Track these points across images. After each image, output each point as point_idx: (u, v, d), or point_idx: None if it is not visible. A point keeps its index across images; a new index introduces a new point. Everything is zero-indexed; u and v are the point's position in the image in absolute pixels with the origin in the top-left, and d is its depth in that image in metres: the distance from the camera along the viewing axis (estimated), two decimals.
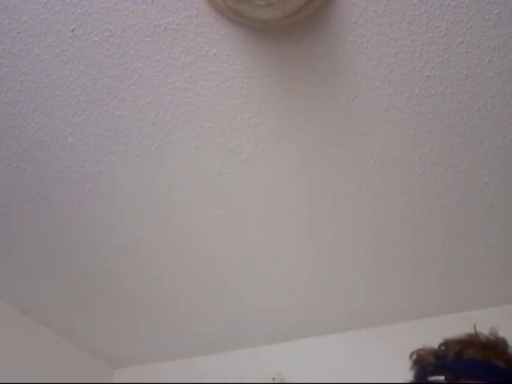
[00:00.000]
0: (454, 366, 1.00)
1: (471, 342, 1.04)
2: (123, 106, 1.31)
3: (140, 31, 1.16)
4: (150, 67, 1.23)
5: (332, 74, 1.23)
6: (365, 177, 1.49)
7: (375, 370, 1.94)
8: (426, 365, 1.05)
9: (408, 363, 1.92)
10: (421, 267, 1.79)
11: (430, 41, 1.16)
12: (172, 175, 1.49)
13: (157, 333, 2.22)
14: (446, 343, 1.07)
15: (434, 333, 2.02)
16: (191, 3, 1.10)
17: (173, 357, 2.38)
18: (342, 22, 1.13)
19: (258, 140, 1.39)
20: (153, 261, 1.81)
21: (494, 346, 1.02)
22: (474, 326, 1.10)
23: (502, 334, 1.91)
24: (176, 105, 1.31)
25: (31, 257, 1.79)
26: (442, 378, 0.99)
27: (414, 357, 1.09)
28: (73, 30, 1.15)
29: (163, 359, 2.40)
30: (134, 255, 1.79)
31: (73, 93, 1.28)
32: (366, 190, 1.52)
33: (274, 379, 2.09)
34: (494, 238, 1.67)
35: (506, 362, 0.99)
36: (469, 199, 1.54)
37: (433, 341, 1.99)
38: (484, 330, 1.95)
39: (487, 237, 1.67)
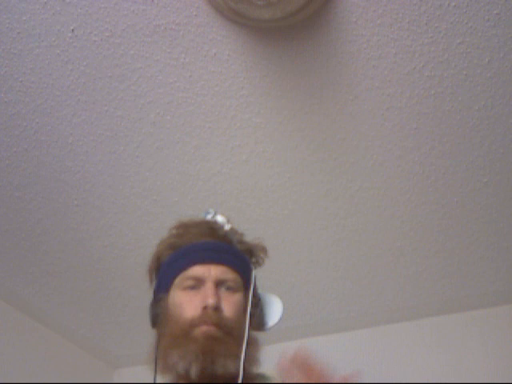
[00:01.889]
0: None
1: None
2: (123, 106, 1.31)
3: (140, 31, 1.16)
4: (150, 67, 1.23)
5: (332, 74, 1.23)
6: (365, 177, 1.49)
7: (375, 369, 1.94)
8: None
9: (408, 363, 1.93)
10: (421, 267, 1.79)
11: (429, 41, 1.16)
12: (172, 175, 1.49)
13: None
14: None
15: (434, 333, 2.03)
16: (191, 3, 1.10)
17: None
18: (342, 23, 1.13)
19: (257, 140, 1.39)
20: None
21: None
22: None
23: (502, 334, 1.91)
24: (176, 105, 1.31)
25: (31, 257, 1.79)
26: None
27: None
28: (73, 30, 1.15)
29: None
30: (135, 255, 1.78)
31: (73, 93, 1.28)
32: (365, 189, 1.52)
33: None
34: (494, 238, 1.67)
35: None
36: (469, 199, 1.54)
37: (433, 341, 2.00)
38: (484, 329, 1.96)
39: (487, 237, 1.67)
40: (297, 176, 1.49)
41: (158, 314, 0.90)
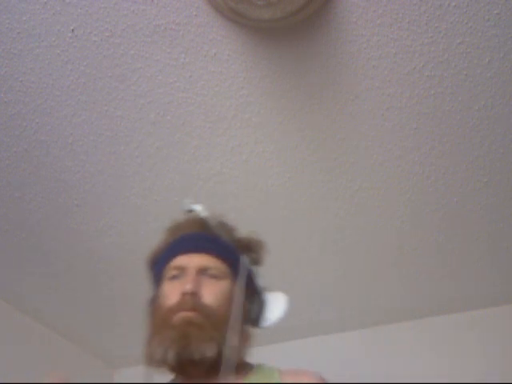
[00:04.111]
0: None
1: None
2: (123, 106, 1.31)
3: (140, 31, 1.16)
4: (150, 67, 1.23)
5: (332, 73, 1.23)
6: (365, 177, 1.49)
7: (375, 369, 1.94)
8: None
9: (408, 363, 1.93)
10: (421, 267, 1.79)
11: (429, 41, 1.16)
12: (172, 175, 1.49)
13: None
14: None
15: (434, 333, 2.03)
16: (191, 3, 1.10)
17: None
18: (341, 23, 1.13)
19: (257, 140, 1.39)
20: None
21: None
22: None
23: (501, 334, 1.91)
24: (176, 105, 1.31)
25: (31, 257, 1.79)
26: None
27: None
28: (73, 30, 1.15)
29: None
30: (135, 256, 1.78)
31: (73, 93, 1.28)
32: (365, 189, 1.52)
33: None
34: (494, 237, 1.67)
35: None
36: (469, 199, 1.54)
37: (433, 341, 2.00)
38: (484, 329, 1.96)
39: (487, 237, 1.67)
40: (297, 176, 1.49)
41: (150, 308, 0.92)
